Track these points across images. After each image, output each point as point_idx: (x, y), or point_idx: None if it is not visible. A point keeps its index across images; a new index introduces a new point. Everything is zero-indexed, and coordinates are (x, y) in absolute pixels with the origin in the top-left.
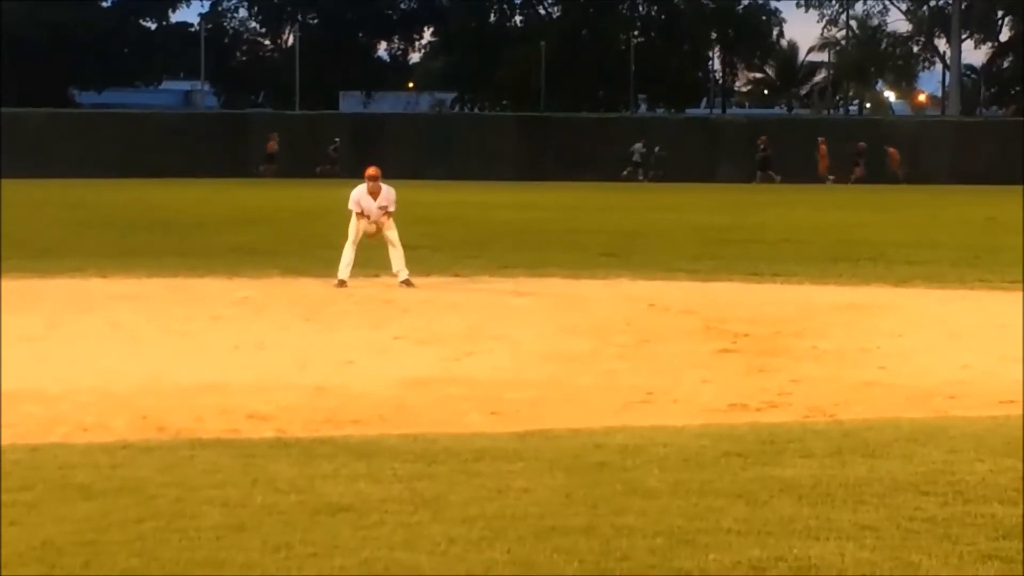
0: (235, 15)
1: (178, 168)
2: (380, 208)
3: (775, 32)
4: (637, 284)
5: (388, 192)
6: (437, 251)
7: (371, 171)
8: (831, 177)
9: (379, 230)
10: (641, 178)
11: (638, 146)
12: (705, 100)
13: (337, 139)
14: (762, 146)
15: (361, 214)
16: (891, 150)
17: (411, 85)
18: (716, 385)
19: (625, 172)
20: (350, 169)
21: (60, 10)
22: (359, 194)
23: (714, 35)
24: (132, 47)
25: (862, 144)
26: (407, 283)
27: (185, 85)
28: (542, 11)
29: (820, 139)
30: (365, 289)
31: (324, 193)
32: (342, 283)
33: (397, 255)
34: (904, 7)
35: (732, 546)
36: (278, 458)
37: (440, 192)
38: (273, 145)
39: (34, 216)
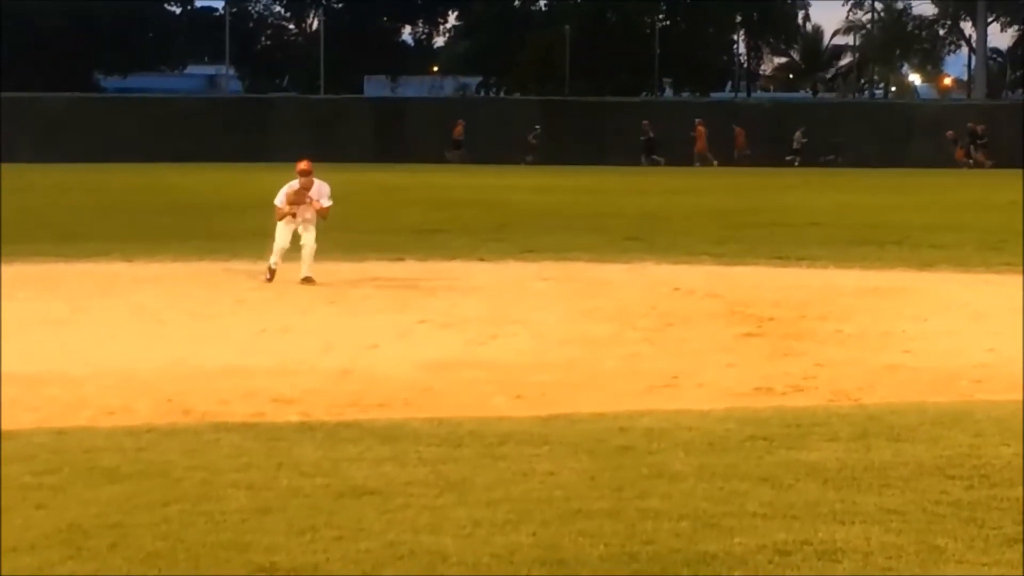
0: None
1: (202, 152)
2: (315, 200)
3: (800, 15)
4: (661, 268)
5: (320, 187)
6: (460, 235)
7: (302, 166)
8: (712, 157)
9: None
10: (797, 164)
11: (798, 134)
12: (730, 84)
13: (537, 126)
14: (647, 129)
15: (288, 211)
16: (737, 130)
17: (435, 69)
18: (741, 369)
19: (787, 158)
20: (547, 155)
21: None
22: (290, 190)
23: (739, 19)
24: (156, 32)
25: (950, 132)
26: (308, 280)
27: (210, 70)
28: None
29: (698, 120)
30: (388, 272)
31: (356, 177)
32: (272, 273)
33: (307, 254)
34: None
35: (757, 529)
36: (303, 441)
37: (464, 176)
38: (460, 130)
39: (58, 200)
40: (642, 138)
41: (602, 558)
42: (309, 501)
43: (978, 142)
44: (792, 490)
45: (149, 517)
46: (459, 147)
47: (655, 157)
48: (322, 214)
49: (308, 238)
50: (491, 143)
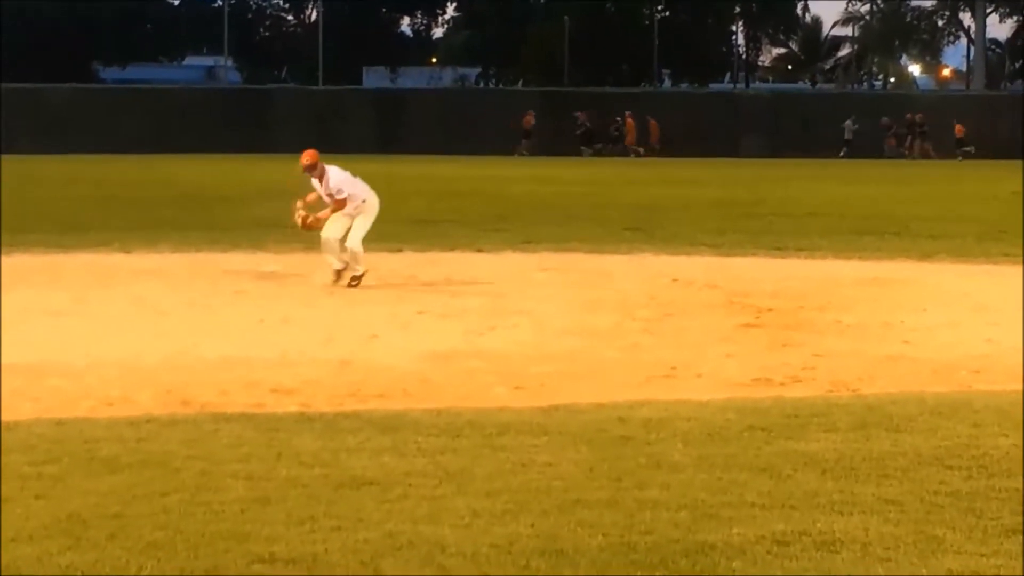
0: None
1: (201, 143)
2: (328, 196)
3: (799, 6)
4: (660, 259)
5: (328, 177)
6: (460, 225)
7: (304, 160)
8: (640, 150)
9: (316, 222)
10: (842, 155)
11: (848, 123)
12: (729, 75)
13: (618, 118)
14: (583, 120)
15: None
16: (652, 122)
17: (434, 60)
18: (740, 359)
19: (841, 153)
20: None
21: None
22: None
23: (738, 9)
24: (155, 23)
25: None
26: (356, 280)
27: (208, 61)
28: None
29: (627, 112)
30: (387, 263)
31: (355, 167)
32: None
33: (354, 251)
34: None
35: (756, 520)
36: (302, 432)
37: (464, 167)
38: (530, 120)
39: (58, 192)
40: (578, 132)
41: (601, 548)
42: (308, 491)
43: (917, 131)
44: (791, 480)
45: (148, 507)
46: (529, 136)
47: (596, 147)
48: (340, 205)
49: (353, 237)
50: (492, 134)
